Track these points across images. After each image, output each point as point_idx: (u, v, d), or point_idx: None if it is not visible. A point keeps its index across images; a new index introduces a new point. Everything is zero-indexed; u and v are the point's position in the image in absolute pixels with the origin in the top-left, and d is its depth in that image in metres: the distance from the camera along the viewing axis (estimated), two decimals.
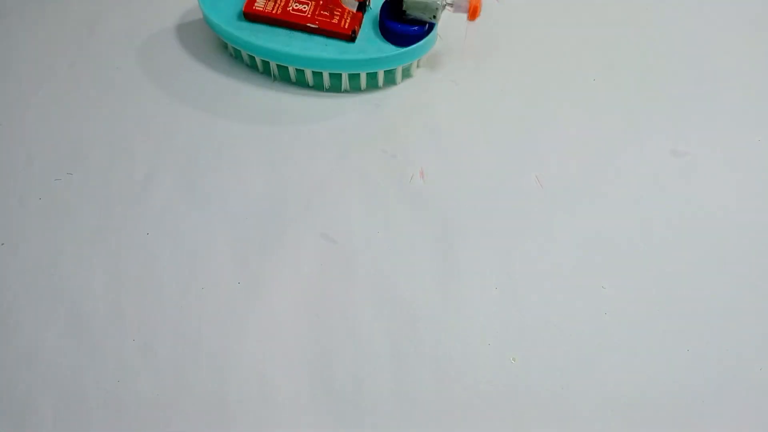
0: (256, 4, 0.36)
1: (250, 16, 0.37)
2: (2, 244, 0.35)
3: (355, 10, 0.36)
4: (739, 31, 0.41)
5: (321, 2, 0.36)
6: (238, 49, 0.38)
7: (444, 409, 0.30)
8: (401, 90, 0.39)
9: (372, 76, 0.38)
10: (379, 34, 0.37)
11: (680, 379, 0.31)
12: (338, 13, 0.36)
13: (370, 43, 0.36)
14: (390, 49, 0.36)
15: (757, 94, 0.39)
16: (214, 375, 0.31)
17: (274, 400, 0.31)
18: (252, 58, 0.38)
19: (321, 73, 0.37)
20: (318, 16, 0.36)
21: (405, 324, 0.32)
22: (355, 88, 0.39)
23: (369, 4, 0.37)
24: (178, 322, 0.32)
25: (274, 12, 0.36)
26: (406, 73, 0.39)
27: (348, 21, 0.36)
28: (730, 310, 0.32)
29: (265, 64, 0.38)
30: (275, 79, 0.39)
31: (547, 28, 0.42)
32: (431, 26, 0.36)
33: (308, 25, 0.36)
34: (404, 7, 0.35)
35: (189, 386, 0.31)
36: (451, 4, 0.35)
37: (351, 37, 0.36)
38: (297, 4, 0.36)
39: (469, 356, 0.31)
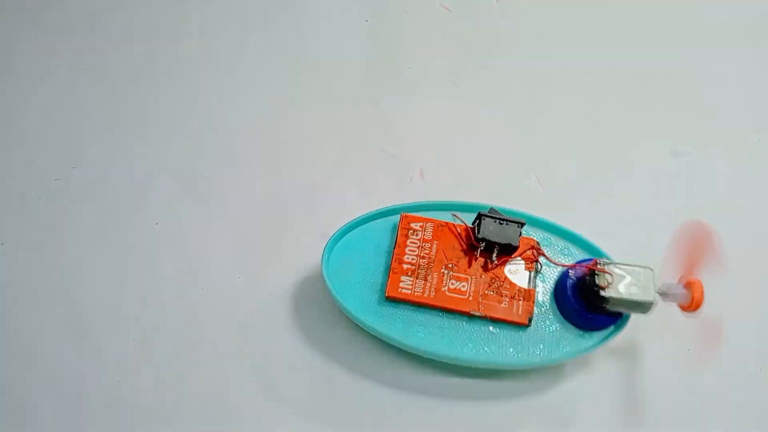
0: (401, 286, 0.28)
1: (394, 299, 0.29)
2: (2, 243, 0.35)
3: (526, 285, 0.28)
4: (740, 30, 0.41)
5: (483, 278, 0.28)
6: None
7: (444, 408, 0.30)
8: None
9: None
10: (556, 309, 0.29)
11: (680, 379, 0.31)
12: (507, 293, 0.28)
13: (548, 328, 0.28)
14: (572, 340, 0.28)
15: (757, 94, 0.39)
16: (214, 375, 0.31)
17: (274, 400, 0.31)
18: None
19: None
20: (483, 298, 0.28)
21: None
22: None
23: (540, 270, 0.29)
24: (178, 322, 0.32)
25: (425, 296, 0.28)
26: None
27: (521, 304, 0.28)
28: (730, 310, 0.32)
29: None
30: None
31: (548, 27, 0.42)
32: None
33: (471, 312, 0.28)
34: (605, 304, 0.27)
35: (189, 386, 0.31)
36: (664, 294, 0.27)
37: (526, 325, 0.28)
38: (455, 281, 0.28)
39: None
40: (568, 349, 0.28)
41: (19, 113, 0.39)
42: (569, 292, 0.28)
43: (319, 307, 0.32)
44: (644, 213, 0.35)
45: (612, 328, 0.28)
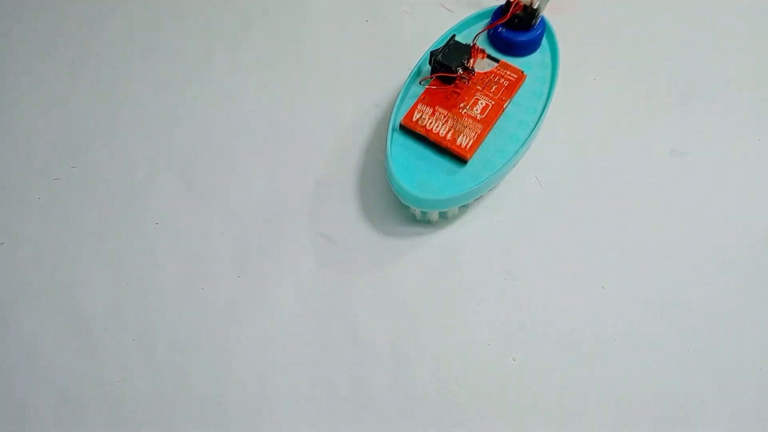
0: (459, 142, 0.32)
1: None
2: (2, 243, 0.35)
3: (496, 64, 0.34)
4: (740, 30, 0.41)
5: (479, 86, 0.33)
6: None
7: (444, 409, 0.30)
8: None
9: None
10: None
11: (680, 379, 0.31)
12: (501, 72, 0.34)
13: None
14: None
15: (757, 94, 0.39)
16: (214, 375, 0.31)
17: (274, 400, 0.31)
18: None
19: None
20: (495, 92, 0.33)
21: (405, 324, 0.32)
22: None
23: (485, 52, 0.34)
24: (178, 322, 0.32)
25: (483, 133, 0.32)
26: None
27: (510, 72, 0.34)
28: (730, 310, 0.32)
29: None
30: None
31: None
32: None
33: (503, 107, 0.33)
34: (537, 14, 0.34)
35: (189, 386, 0.31)
36: None
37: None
38: (473, 107, 0.33)
39: (469, 356, 0.31)
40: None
41: (19, 113, 0.39)
42: (506, 36, 0.34)
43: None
44: None
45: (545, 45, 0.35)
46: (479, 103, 0.33)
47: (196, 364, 0.31)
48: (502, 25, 0.34)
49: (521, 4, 0.33)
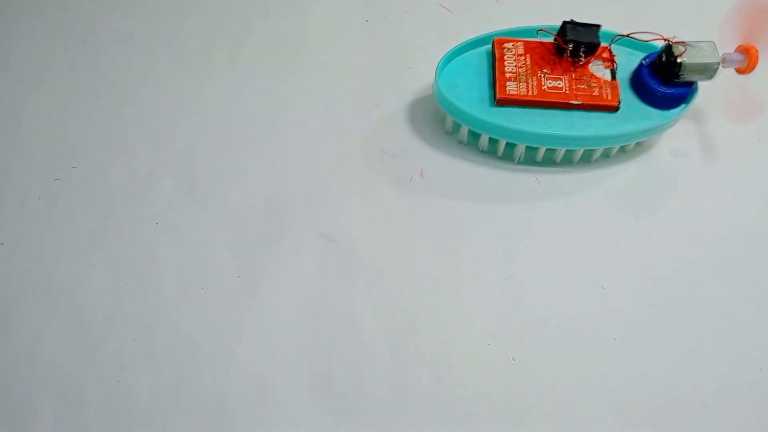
0: (508, 89, 0.33)
1: (503, 101, 0.33)
2: (2, 243, 0.35)
3: (609, 79, 0.33)
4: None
5: (574, 76, 0.33)
6: (480, 133, 0.34)
7: (444, 409, 0.30)
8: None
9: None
10: (635, 97, 0.34)
11: (680, 379, 0.31)
12: (595, 85, 0.33)
13: (633, 111, 0.34)
14: (656, 115, 0.33)
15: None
16: (214, 375, 0.31)
17: (274, 400, 0.31)
18: (492, 142, 0.35)
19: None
20: (577, 91, 0.33)
21: (405, 324, 0.32)
22: (586, 159, 0.36)
23: (617, 69, 0.34)
24: (178, 322, 0.32)
25: (530, 94, 0.33)
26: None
27: (609, 92, 0.33)
28: (730, 310, 0.32)
29: (509, 147, 0.35)
30: (519, 162, 0.36)
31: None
32: (693, 83, 0.33)
33: (570, 102, 0.33)
34: (681, 71, 0.32)
35: (189, 386, 0.31)
36: (725, 60, 0.32)
37: (616, 108, 0.33)
38: (551, 81, 0.33)
39: (469, 356, 0.31)
40: (653, 123, 0.33)
41: (19, 113, 0.39)
42: (646, 75, 0.33)
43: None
44: None
45: (683, 106, 0.34)
46: (557, 82, 0.33)
47: (196, 364, 0.31)
48: (649, 64, 0.33)
49: (676, 55, 0.32)
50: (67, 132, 0.38)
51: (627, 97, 0.34)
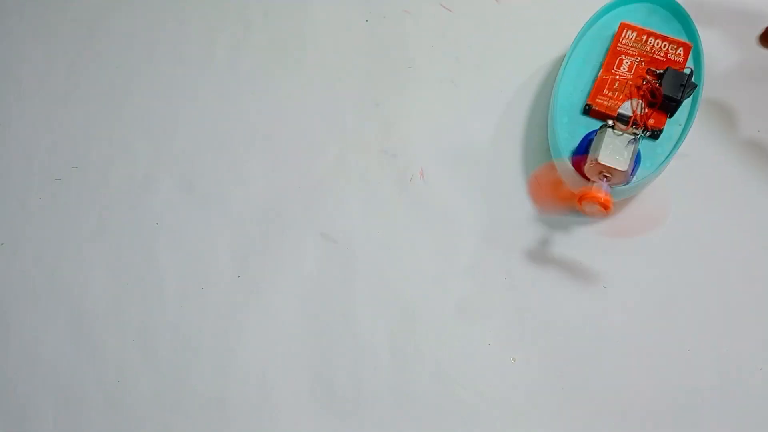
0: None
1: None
2: (2, 243, 0.35)
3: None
4: None
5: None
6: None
7: (444, 408, 0.30)
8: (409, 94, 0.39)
9: None
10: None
11: (680, 379, 0.31)
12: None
13: None
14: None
15: None
16: (214, 375, 0.31)
17: (274, 400, 0.31)
18: None
19: None
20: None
21: (405, 324, 0.32)
22: None
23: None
24: (178, 322, 0.32)
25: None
26: None
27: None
28: (730, 310, 0.32)
29: None
30: None
31: (547, 26, 0.41)
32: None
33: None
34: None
35: (189, 386, 0.31)
36: None
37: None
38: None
39: (469, 356, 0.31)
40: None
41: (19, 113, 0.39)
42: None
43: None
44: None
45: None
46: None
47: (197, 364, 0.31)
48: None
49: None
50: (67, 132, 0.38)
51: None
